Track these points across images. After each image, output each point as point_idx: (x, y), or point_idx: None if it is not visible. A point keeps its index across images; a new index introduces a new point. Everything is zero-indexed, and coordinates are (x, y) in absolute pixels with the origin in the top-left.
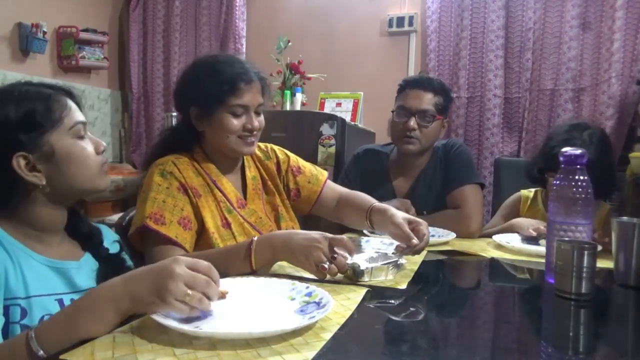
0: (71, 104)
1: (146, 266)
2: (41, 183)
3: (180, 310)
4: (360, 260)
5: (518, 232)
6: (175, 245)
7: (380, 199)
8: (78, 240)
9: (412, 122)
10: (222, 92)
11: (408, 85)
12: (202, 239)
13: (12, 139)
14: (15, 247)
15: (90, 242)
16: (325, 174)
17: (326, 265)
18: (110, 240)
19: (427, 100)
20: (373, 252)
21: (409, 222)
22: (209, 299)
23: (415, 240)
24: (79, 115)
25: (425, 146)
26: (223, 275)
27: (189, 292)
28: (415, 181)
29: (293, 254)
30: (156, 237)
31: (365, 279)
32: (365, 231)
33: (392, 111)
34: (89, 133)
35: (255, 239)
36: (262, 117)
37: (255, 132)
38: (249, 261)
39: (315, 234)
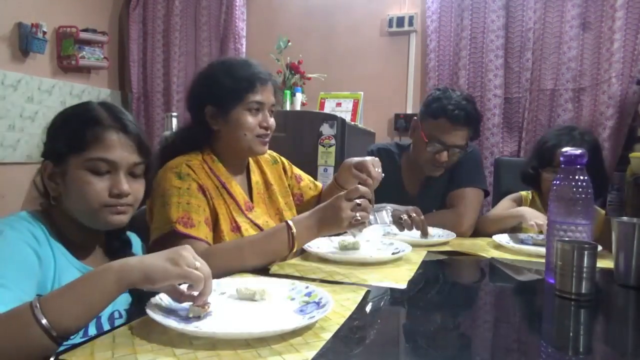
0: (113, 138)
1: None
2: (54, 194)
3: (189, 275)
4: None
5: (518, 230)
6: (203, 242)
7: (391, 198)
8: (110, 258)
9: (445, 156)
10: (240, 89)
11: (448, 119)
12: (213, 240)
13: (50, 145)
14: (59, 250)
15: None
16: (320, 185)
17: (358, 216)
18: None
19: (464, 136)
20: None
21: (357, 165)
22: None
23: (363, 176)
24: (111, 153)
25: (448, 167)
26: (264, 262)
27: (198, 264)
28: (426, 181)
29: (330, 225)
30: (186, 240)
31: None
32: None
33: (419, 129)
34: (121, 174)
35: (291, 223)
36: (273, 119)
37: (269, 132)
38: (289, 244)
39: (333, 200)
